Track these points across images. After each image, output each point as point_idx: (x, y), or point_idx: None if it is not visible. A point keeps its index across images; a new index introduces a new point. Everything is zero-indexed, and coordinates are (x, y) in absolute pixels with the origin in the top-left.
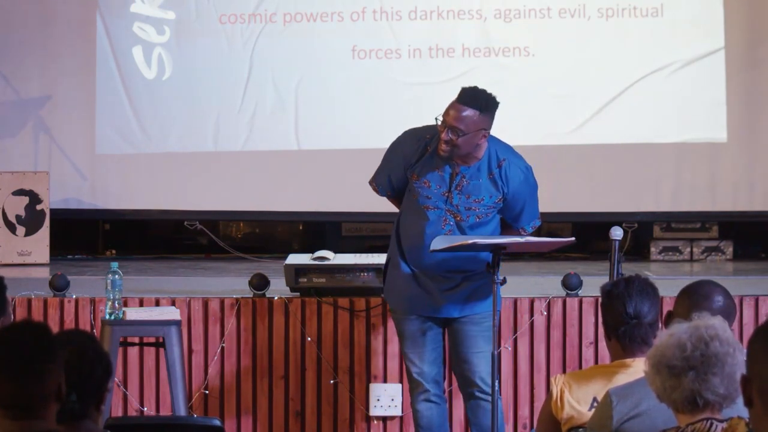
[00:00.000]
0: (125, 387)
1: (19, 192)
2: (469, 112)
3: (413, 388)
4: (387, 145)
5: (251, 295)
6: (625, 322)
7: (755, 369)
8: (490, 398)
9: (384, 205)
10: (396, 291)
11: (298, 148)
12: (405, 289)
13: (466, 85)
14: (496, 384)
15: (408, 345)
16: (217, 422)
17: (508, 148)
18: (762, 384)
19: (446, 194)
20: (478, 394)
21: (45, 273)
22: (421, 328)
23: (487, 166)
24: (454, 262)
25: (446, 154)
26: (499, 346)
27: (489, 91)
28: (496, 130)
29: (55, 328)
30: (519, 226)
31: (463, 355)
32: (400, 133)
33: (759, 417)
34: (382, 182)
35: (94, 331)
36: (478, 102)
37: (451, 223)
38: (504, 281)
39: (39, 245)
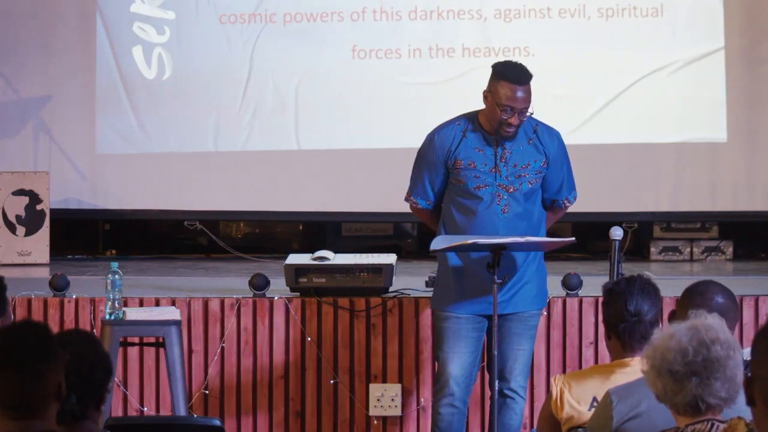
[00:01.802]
0: (125, 387)
1: (19, 192)
2: (528, 87)
3: (438, 390)
4: (387, 146)
5: (251, 295)
6: (625, 320)
7: (758, 370)
8: (518, 398)
9: (384, 206)
10: (444, 288)
11: (298, 148)
12: (453, 283)
13: (466, 85)
14: (522, 384)
15: (447, 345)
16: (217, 422)
17: (532, 117)
18: (765, 385)
19: (493, 170)
20: (506, 392)
21: (45, 273)
22: (465, 328)
23: (524, 133)
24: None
25: (513, 134)
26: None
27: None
28: None
29: (55, 328)
30: (563, 197)
31: (503, 352)
32: (400, 132)
33: (761, 417)
34: (420, 192)
35: (94, 331)
36: (529, 75)
37: (505, 197)
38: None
39: (39, 245)
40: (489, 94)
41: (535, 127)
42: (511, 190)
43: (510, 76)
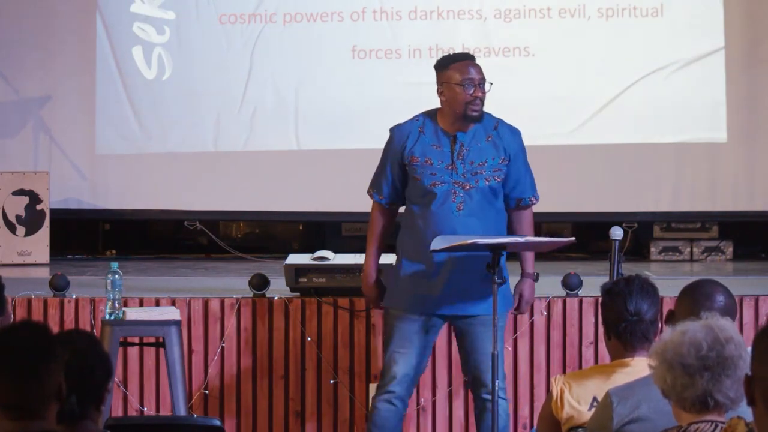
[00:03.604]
0: (125, 387)
1: (19, 192)
2: (477, 63)
3: (381, 386)
4: None
5: (251, 295)
6: (625, 319)
7: (759, 369)
8: (499, 399)
9: None
10: (398, 289)
11: (298, 148)
12: (403, 281)
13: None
14: (501, 385)
15: (396, 344)
16: (217, 422)
17: (493, 116)
18: (765, 385)
19: (450, 167)
20: (486, 396)
21: (45, 273)
22: (417, 329)
23: (483, 130)
24: (462, 256)
25: (480, 111)
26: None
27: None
28: None
29: (55, 328)
30: (529, 195)
31: (473, 357)
32: None
33: (761, 416)
34: (376, 185)
35: (94, 331)
36: (472, 54)
37: (461, 194)
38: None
39: (39, 245)
40: (444, 86)
41: (495, 124)
42: (468, 187)
43: (456, 58)
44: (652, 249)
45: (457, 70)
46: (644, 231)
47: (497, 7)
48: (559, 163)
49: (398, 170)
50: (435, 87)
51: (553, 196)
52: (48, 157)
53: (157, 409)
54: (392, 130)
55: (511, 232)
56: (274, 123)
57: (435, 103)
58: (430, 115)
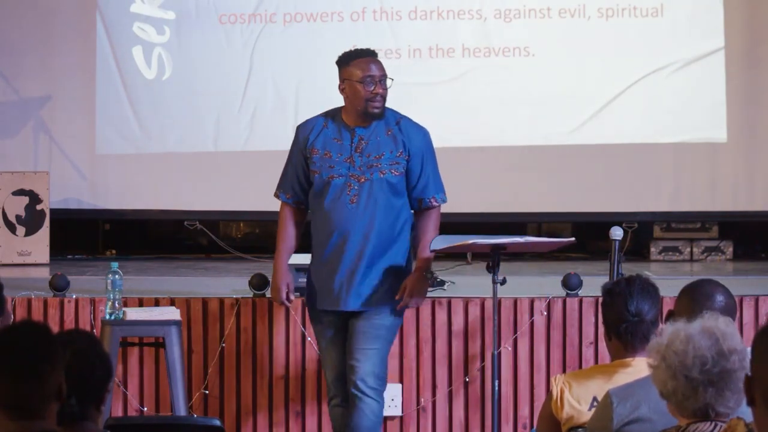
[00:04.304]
0: (125, 387)
1: (19, 192)
2: (378, 59)
3: (328, 392)
4: None
5: (251, 295)
6: (626, 320)
7: (759, 370)
8: (366, 398)
9: None
10: (311, 291)
11: None
12: (316, 285)
13: (466, 85)
14: (371, 384)
15: (320, 345)
16: (217, 422)
17: (397, 111)
18: (765, 385)
19: (348, 160)
20: (353, 392)
21: (45, 273)
22: (331, 326)
23: (384, 125)
24: (350, 253)
25: (381, 107)
26: (499, 346)
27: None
28: (496, 131)
29: (55, 328)
30: (429, 195)
31: (349, 350)
32: None
33: (761, 417)
34: (283, 185)
35: (94, 331)
36: (374, 51)
37: (355, 187)
38: (504, 281)
39: (39, 245)
40: (346, 83)
41: (398, 120)
42: (363, 180)
43: (358, 55)
44: (652, 249)
45: (358, 67)
46: (644, 231)
47: (497, 7)
48: (559, 163)
49: (304, 164)
50: (434, 86)
51: (553, 196)
52: (48, 157)
53: (157, 409)
54: (297, 127)
55: (415, 234)
56: (274, 123)
57: (435, 103)
58: (337, 111)
